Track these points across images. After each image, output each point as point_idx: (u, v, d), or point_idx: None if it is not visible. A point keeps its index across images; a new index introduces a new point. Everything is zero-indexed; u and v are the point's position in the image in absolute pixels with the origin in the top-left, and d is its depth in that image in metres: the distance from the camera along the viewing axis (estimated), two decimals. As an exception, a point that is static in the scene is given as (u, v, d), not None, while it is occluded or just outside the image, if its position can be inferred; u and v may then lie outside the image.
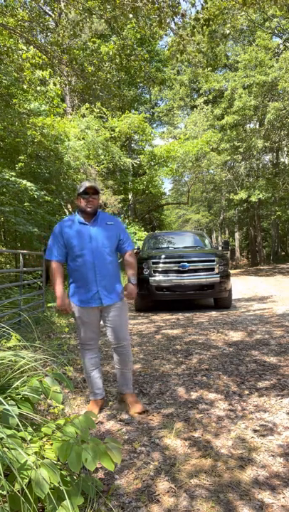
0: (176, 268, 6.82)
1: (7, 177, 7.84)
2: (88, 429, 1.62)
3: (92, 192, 2.61)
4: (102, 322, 2.79)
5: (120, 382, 2.85)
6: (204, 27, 5.75)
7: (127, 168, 15.44)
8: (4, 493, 1.30)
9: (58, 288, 2.64)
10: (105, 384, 3.30)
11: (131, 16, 5.75)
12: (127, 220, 16.36)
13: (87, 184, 2.62)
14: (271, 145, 20.74)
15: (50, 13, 11.63)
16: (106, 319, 2.72)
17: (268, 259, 30.01)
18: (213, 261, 6.85)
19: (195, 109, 24.28)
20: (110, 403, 2.91)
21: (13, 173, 8.28)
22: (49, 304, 6.47)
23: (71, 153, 10.73)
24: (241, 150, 20.66)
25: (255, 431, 2.35)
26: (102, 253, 2.62)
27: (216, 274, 6.76)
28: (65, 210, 12.19)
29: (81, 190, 2.62)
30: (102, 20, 7.42)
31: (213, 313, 6.65)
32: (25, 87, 8.78)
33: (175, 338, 4.86)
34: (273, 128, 19.32)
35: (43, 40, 7.61)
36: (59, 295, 2.62)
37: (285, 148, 22.40)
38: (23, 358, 1.81)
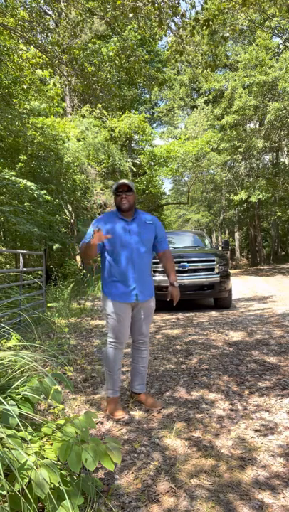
0: (176, 268, 6.81)
1: (7, 177, 7.84)
2: (88, 429, 1.62)
3: (126, 189, 2.62)
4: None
5: (137, 381, 2.86)
6: (204, 28, 5.75)
7: (127, 170, 15.48)
8: (4, 493, 1.30)
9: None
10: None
11: (131, 15, 5.75)
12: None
13: (120, 182, 2.64)
14: (271, 145, 20.73)
15: (50, 13, 11.63)
16: (135, 314, 2.73)
17: (267, 259, 30.01)
18: (213, 261, 6.85)
19: (195, 109, 24.28)
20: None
21: (13, 173, 8.28)
22: (49, 304, 6.47)
23: (71, 154, 10.74)
24: (241, 150, 20.66)
25: (255, 431, 2.35)
26: (140, 250, 2.63)
27: (216, 274, 6.76)
28: (65, 210, 12.19)
29: (114, 187, 2.65)
30: (103, 21, 7.43)
31: (213, 313, 6.65)
32: (25, 87, 8.78)
33: (175, 338, 4.86)
34: (273, 128, 19.31)
35: (43, 40, 7.61)
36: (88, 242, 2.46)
37: (285, 148, 22.40)
38: (23, 358, 1.81)
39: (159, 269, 6.89)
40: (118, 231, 2.61)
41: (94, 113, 12.88)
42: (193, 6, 5.97)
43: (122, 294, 2.62)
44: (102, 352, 2.77)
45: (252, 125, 22.61)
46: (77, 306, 7.49)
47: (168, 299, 2.80)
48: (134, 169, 17.38)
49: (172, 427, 2.43)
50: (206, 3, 5.94)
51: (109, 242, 2.60)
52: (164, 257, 2.84)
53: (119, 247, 2.59)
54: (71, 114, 14.18)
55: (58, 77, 7.96)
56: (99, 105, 11.97)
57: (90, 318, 6.58)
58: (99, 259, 2.84)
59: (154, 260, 6.98)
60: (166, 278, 6.79)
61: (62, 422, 1.64)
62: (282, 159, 24.40)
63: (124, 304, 2.63)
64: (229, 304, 7.14)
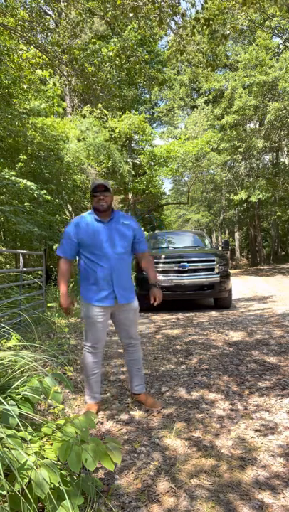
0: (176, 268, 6.81)
1: (7, 177, 7.83)
2: (88, 429, 1.62)
3: (103, 189, 2.56)
4: (110, 322, 2.74)
5: (136, 382, 2.83)
6: (204, 27, 5.74)
7: (126, 172, 15.51)
8: (4, 493, 1.30)
9: (63, 287, 2.63)
10: (105, 384, 3.30)
11: (131, 15, 5.75)
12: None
13: (96, 182, 2.60)
14: (271, 145, 20.74)
15: (50, 13, 11.62)
16: (118, 318, 2.69)
17: (267, 259, 30.01)
18: (213, 261, 6.85)
19: (195, 109, 24.30)
20: (108, 403, 2.91)
21: (13, 173, 8.27)
22: (49, 304, 6.47)
23: (71, 154, 10.74)
24: (241, 150, 20.67)
25: (255, 431, 2.35)
26: (118, 252, 2.57)
27: (216, 274, 6.76)
28: (65, 210, 12.19)
29: (91, 188, 2.61)
30: (103, 21, 7.45)
31: (213, 313, 6.65)
32: (25, 87, 8.78)
33: (175, 338, 4.86)
34: (273, 128, 19.31)
35: (43, 40, 7.61)
36: (63, 293, 2.62)
37: (285, 148, 22.41)
38: (23, 358, 1.81)
39: (159, 269, 6.89)
40: (93, 236, 2.54)
41: (94, 113, 12.88)
42: (194, 6, 5.97)
43: (100, 298, 2.56)
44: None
45: (252, 125, 22.61)
46: (77, 306, 7.49)
47: (151, 302, 2.74)
48: (133, 172, 17.42)
49: (172, 427, 2.43)
50: (206, 2, 5.93)
51: (85, 244, 2.55)
52: (143, 259, 2.80)
53: (95, 249, 2.53)
54: (71, 114, 14.18)
55: (58, 77, 7.96)
56: (99, 105, 11.98)
57: (90, 318, 6.57)
58: None
59: (154, 260, 6.99)
60: (167, 278, 6.82)
61: (62, 422, 1.64)
62: (282, 159, 24.41)
63: (101, 307, 2.57)
64: (229, 304, 7.14)
